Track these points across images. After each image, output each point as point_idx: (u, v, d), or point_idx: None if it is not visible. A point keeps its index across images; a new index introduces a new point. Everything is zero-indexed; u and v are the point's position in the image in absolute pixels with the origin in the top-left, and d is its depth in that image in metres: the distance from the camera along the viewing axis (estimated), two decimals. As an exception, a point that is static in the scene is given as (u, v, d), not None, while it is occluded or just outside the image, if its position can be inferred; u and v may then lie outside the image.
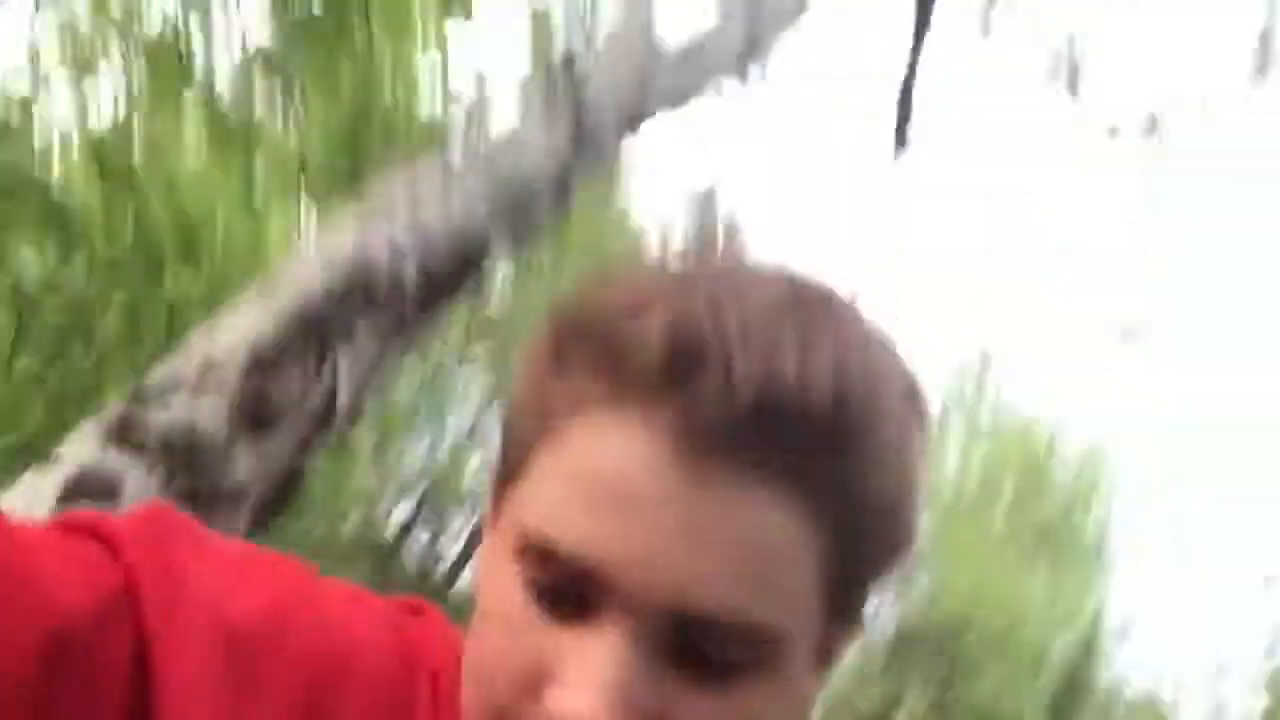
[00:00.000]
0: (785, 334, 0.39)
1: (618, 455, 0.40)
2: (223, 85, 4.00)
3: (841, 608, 0.44)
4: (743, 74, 3.17)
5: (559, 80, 2.51)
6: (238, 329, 2.03)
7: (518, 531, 0.43)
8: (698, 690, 0.41)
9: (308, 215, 4.25)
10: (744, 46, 3.09)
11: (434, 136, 3.90)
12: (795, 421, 0.39)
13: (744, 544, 0.40)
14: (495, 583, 0.44)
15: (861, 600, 0.46)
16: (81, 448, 1.87)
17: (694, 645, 0.41)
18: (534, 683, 0.41)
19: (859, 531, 0.42)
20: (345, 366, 2.07)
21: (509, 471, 0.45)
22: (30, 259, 3.96)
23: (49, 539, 0.44)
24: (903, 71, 3.76)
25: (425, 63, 4.11)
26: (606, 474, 0.40)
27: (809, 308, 0.42)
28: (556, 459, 0.42)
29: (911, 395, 0.44)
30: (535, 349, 0.45)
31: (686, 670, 0.41)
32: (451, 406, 7.19)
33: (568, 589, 0.41)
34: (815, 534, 0.41)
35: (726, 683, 0.41)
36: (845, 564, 0.43)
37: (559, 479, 0.42)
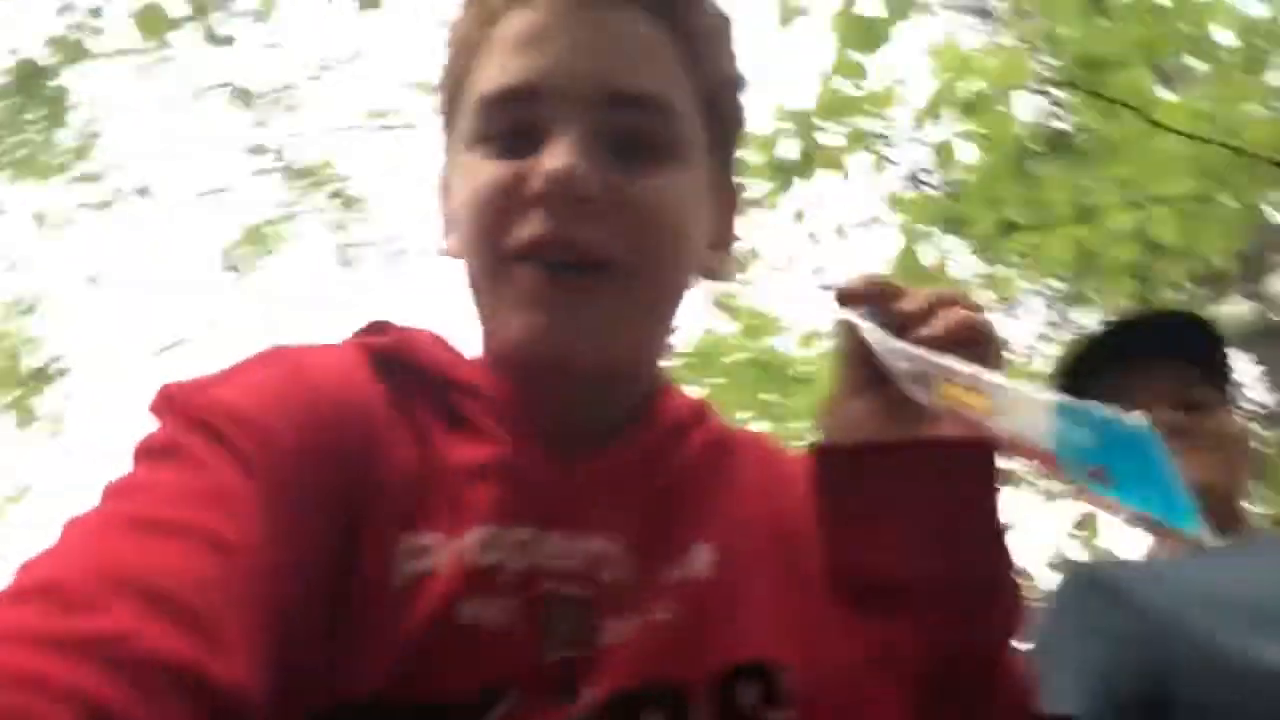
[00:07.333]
0: None
1: (529, 19, 0.61)
2: None
3: (717, 138, 0.65)
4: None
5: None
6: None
7: (474, 108, 0.61)
8: (630, 171, 0.60)
9: None
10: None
11: None
12: None
13: (625, 39, 0.61)
14: (464, 176, 0.61)
15: (730, 134, 0.67)
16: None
17: (619, 130, 0.59)
18: (515, 200, 0.59)
19: (707, 62, 0.63)
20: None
21: (452, 96, 0.64)
22: None
23: None
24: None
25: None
26: (524, 30, 0.61)
27: None
28: (488, 54, 0.61)
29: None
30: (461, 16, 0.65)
31: (620, 160, 0.60)
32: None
33: (522, 126, 0.59)
34: (672, 45, 0.61)
35: (651, 166, 0.60)
36: (706, 86, 0.64)
37: (493, 56, 0.60)
